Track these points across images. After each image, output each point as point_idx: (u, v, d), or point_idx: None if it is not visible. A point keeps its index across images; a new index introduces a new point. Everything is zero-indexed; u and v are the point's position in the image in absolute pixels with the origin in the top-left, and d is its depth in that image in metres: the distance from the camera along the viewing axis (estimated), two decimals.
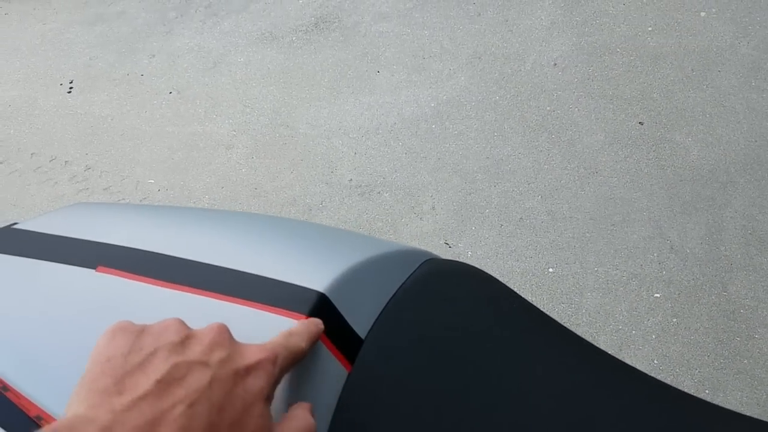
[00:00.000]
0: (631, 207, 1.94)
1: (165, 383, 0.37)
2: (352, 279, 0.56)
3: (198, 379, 0.38)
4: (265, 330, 0.52)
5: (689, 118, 2.14)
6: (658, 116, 2.17)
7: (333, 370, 0.53)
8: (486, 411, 0.53)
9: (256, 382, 0.41)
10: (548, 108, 2.26)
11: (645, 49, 2.39)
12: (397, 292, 0.60)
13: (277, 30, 2.77)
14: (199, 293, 0.54)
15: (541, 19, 2.58)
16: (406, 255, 0.65)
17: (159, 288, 0.55)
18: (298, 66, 2.60)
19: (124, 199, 2.22)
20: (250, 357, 0.42)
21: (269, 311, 0.52)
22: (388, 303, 0.59)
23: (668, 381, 1.60)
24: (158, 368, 0.38)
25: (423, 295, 0.61)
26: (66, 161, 2.40)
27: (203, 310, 0.54)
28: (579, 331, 1.69)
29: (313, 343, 0.50)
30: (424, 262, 0.65)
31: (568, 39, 2.48)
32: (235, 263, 0.56)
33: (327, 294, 0.53)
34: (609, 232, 1.90)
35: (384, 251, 0.63)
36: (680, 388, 1.52)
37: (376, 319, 0.57)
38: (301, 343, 0.47)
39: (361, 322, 0.56)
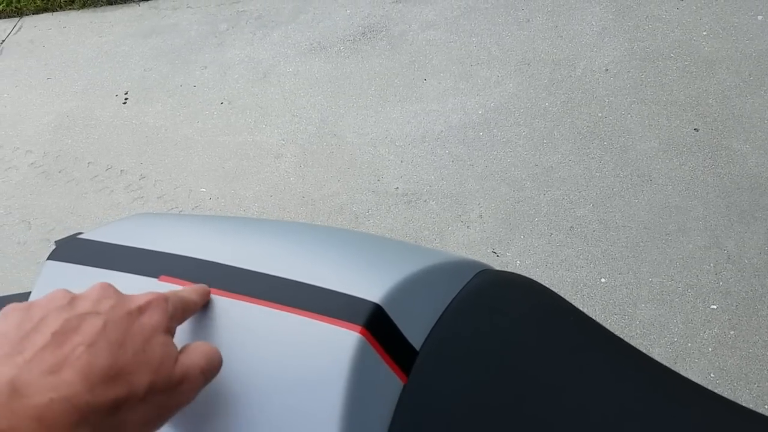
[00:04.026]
0: (686, 216, 1.90)
1: (61, 334, 0.39)
2: (406, 290, 0.57)
3: (92, 325, 0.40)
4: (322, 340, 0.52)
5: (746, 125, 2.08)
6: (714, 122, 2.11)
7: (389, 381, 0.53)
8: (542, 426, 0.52)
9: (152, 317, 0.44)
10: (600, 114, 2.22)
11: (700, 54, 2.33)
12: (451, 303, 0.60)
13: (325, 40, 2.80)
14: (258, 302, 0.55)
15: (592, 24, 2.54)
16: (459, 265, 0.65)
17: (217, 297, 0.56)
18: (345, 75, 2.62)
19: (177, 207, 2.27)
20: (140, 299, 0.45)
21: (326, 321, 0.53)
22: (442, 314, 0.58)
23: (726, 395, 1.55)
24: (52, 324, 0.40)
25: (477, 306, 0.61)
26: (121, 170, 2.47)
27: (260, 319, 0.54)
28: (632, 343, 1.65)
29: (205, 301, 0.54)
30: (478, 272, 0.65)
31: (619, 44, 2.44)
32: (292, 273, 0.57)
33: (382, 305, 0.54)
34: (663, 241, 1.85)
35: (438, 262, 0.63)
36: (738, 402, 1.47)
37: (431, 331, 0.57)
38: (191, 295, 0.52)
39: (415, 334, 0.56)
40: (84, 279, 0.62)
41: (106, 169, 2.49)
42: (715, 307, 1.70)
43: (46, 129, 2.72)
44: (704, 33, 2.40)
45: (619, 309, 1.73)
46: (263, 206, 2.21)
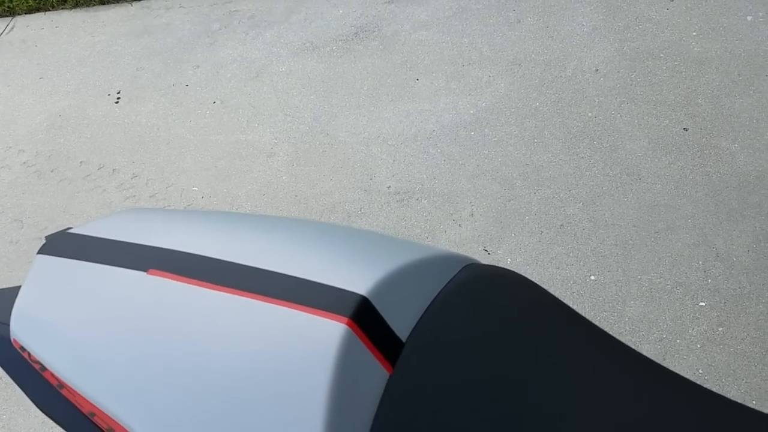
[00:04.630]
0: (675, 214, 1.91)
1: None
2: (392, 282, 0.57)
3: None
4: (309, 331, 0.53)
5: (735, 124, 2.10)
6: (703, 122, 2.13)
7: (374, 372, 0.54)
8: (527, 418, 0.53)
9: None
10: (590, 114, 2.24)
11: (689, 54, 2.35)
12: (437, 296, 0.61)
13: (318, 40, 2.81)
14: (245, 295, 0.56)
15: (583, 25, 2.56)
16: (446, 259, 0.66)
17: (207, 290, 0.57)
18: (338, 75, 2.63)
19: (169, 205, 2.28)
20: None
21: (313, 313, 0.54)
22: (428, 307, 0.59)
23: (714, 391, 1.56)
24: None
25: (463, 299, 0.62)
26: (114, 169, 2.47)
27: (248, 312, 0.55)
28: (622, 340, 1.67)
29: None
30: (465, 266, 0.66)
31: (610, 45, 2.46)
32: (279, 267, 0.57)
33: (368, 297, 0.55)
34: (652, 239, 1.87)
35: (424, 255, 0.64)
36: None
37: (417, 323, 0.58)
38: None
39: (401, 325, 0.57)
40: (74, 273, 0.62)
41: (99, 168, 2.49)
42: (703, 304, 1.72)
43: (39, 128, 2.72)
44: (694, 33, 2.42)
45: (609, 306, 1.75)
46: (256, 205, 2.22)
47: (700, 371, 1.61)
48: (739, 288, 1.73)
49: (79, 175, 2.48)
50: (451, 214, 2.05)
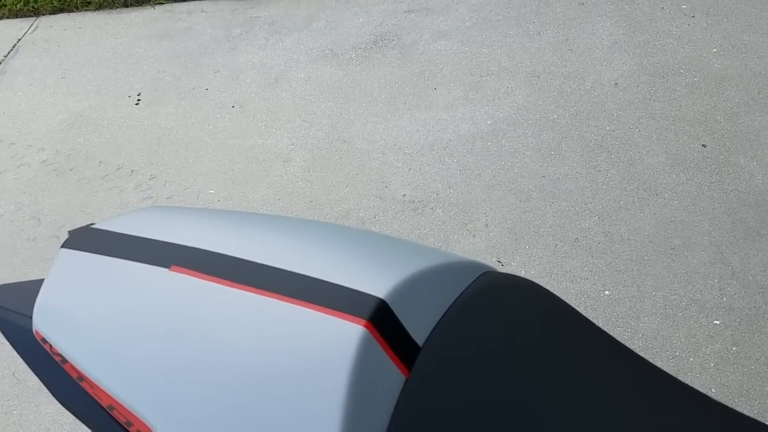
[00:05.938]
0: (691, 231, 1.90)
1: None
2: (411, 287, 0.58)
3: None
4: (328, 332, 0.53)
5: (754, 142, 2.09)
6: (722, 139, 2.12)
7: (391, 376, 0.54)
8: (541, 425, 0.53)
9: None
10: (608, 128, 2.23)
11: (709, 71, 2.35)
12: (454, 302, 0.61)
13: (337, 47, 2.83)
14: (265, 294, 0.56)
15: (603, 38, 2.56)
16: (463, 266, 0.66)
17: (227, 288, 0.57)
18: (356, 82, 2.64)
19: None
20: None
21: (331, 314, 0.54)
22: (445, 312, 0.60)
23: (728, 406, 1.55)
24: None
25: (480, 306, 0.62)
26: (132, 170, 2.49)
27: (268, 311, 0.56)
28: None
29: None
30: (482, 274, 0.66)
31: (629, 59, 2.45)
32: (300, 267, 0.58)
33: (386, 300, 0.55)
34: (668, 255, 1.86)
35: (442, 261, 0.64)
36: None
37: (434, 328, 0.58)
38: None
39: (418, 330, 0.57)
40: (96, 267, 0.63)
41: (117, 169, 2.51)
42: (718, 322, 1.70)
43: (59, 127, 2.75)
44: (714, 50, 2.41)
45: (622, 322, 1.74)
46: (271, 209, 2.23)
47: (713, 390, 1.59)
48: (755, 307, 1.71)
49: (97, 175, 2.50)
50: (466, 224, 2.05)
